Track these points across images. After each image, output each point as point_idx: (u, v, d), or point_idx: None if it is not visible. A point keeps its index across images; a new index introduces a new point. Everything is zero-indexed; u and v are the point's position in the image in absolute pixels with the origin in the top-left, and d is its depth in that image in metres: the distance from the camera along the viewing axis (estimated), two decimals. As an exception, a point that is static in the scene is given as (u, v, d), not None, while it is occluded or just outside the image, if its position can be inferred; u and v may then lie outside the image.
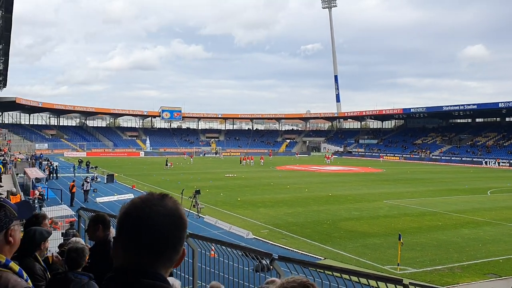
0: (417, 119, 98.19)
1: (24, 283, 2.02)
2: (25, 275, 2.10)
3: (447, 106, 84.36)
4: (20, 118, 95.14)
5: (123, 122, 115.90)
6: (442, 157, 79.97)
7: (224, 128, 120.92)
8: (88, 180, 31.62)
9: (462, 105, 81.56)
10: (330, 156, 79.19)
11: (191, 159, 72.24)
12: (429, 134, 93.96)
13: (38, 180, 31.23)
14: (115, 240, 1.40)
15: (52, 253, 4.20)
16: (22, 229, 2.48)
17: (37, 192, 25.58)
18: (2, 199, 2.18)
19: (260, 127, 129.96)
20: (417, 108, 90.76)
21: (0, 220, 2.05)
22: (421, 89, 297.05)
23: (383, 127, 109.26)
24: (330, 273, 5.77)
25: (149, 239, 1.34)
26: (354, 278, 5.45)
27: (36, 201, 24.29)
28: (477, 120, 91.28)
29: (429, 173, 53.83)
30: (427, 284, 4.69)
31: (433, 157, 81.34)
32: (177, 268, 6.96)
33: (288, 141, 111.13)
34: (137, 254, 1.34)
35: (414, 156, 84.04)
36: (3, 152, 50.45)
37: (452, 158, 77.74)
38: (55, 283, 3.27)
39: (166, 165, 57.66)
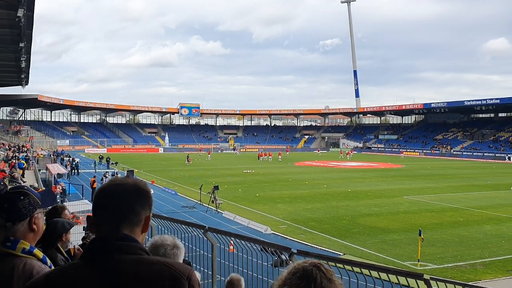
0: (437, 114, 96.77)
1: (48, 269, 2.05)
2: (48, 262, 2.13)
3: (469, 100, 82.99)
4: (42, 115, 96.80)
5: (142, 118, 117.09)
6: (464, 153, 78.71)
7: (242, 124, 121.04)
8: (107, 175, 32.05)
9: (484, 99, 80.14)
10: (350, 152, 78.68)
11: (209, 155, 72.49)
12: (450, 129, 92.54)
13: (60, 175, 31.73)
14: (90, 217, 1.67)
15: (74, 246, 4.26)
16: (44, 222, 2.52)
17: (59, 187, 26.02)
18: (26, 188, 2.23)
19: (278, 123, 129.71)
20: (438, 103, 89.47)
21: (24, 208, 2.09)
22: (442, 83, 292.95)
23: (403, 122, 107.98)
24: (350, 268, 5.73)
25: (113, 206, 1.63)
26: (374, 273, 5.40)
27: (58, 196, 24.73)
28: (500, 115, 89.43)
29: (450, 169, 53.05)
30: (448, 279, 4.64)
31: (454, 152, 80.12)
32: (197, 262, 7.03)
33: (306, 137, 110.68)
34: (105, 223, 1.63)
35: (434, 151, 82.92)
36: (25, 149, 51.47)
37: (474, 154, 76.43)
38: None
39: (188, 161, 57.86)
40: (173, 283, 1.55)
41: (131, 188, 1.66)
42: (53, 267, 2.13)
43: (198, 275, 4.56)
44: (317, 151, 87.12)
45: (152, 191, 1.78)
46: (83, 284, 1.55)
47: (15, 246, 2.03)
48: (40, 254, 2.10)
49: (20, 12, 20.57)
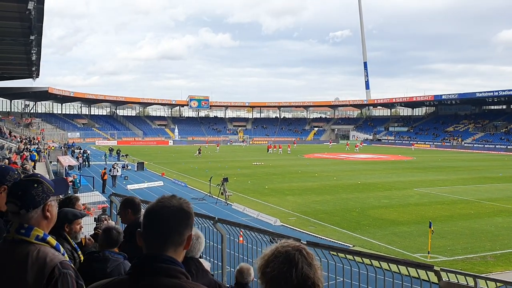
0: (449, 106, 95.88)
1: (61, 256, 2.08)
2: (62, 249, 2.16)
3: (481, 92, 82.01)
4: (52, 108, 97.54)
5: (152, 111, 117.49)
6: (475, 145, 78.01)
7: (251, 117, 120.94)
8: (115, 166, 32.49)
9: (496, 91, 79.13)
10: (359, 144, 78.32)
11: (217, 147, 72.52)
12: (461, 121, 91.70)
13: (71, 167, 32.02)
14: (139, 232, 1.81)
15: (85, 236, 4.31)
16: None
17: (70, 179, 26.30)
18: (39, 175, 2.25)
19: (288, 115, 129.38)
20: (449, 94, 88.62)
21: (37, 195, 2.11)
22: (454, 75, 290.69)
23: (414, 114, 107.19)
24: (360, 259, 5.71)
25: (160, 228, 1.76)
26: (384, 265, 5.38)
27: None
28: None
29: (461, 161, 52.64)
30: (459, 270, 4.59)
31: (465, 144, 79.43)
32: (207, 253, 7.05)
33: (316, 129, 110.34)
34: (151, 242, 1.77)
35: (445, 144, 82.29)
36: (36, 141, 51.94)
37: (485, 146, 75.74)
38: (92, 261, 3.36)
39: (199, 153, 57.81)
40: None
41: (177, 211, 1.79)
42: (66, 254, 2.16)
43: (207, 265, 4.61)
44: (328, 143, 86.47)
45: (193, 211, 1.90)
46: None
47: (29, 233, 2.05)
48: (54, 241, 2.12)
49: (31, 5, 20.68)
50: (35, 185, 2.13)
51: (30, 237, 2.05)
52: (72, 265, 2.09)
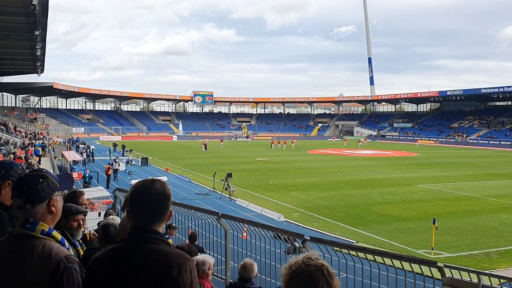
0: (453, 102, 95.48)
1: (66, 250, 2.10)
2: (67, 243, 2.18)
3: (486, 88, 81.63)
4: (57, 103, 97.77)
5: (156, 106, 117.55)
6: (480, 141, 77.71)
7: (255, 112, 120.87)
8: (117, 160, 32.91)
9: (501, 87, 78.67)
10: (363, 140, 78.06)
11: (221, 143, 72.40)
12: (466, 118, 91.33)
13: (75, 162, 32.13)
14: (127, 211, 2.27)
15: (90, 231, 4.33)
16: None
17: (75, 174, 26.47)
18: (44, 170, 2.28)
19: (292, 111, 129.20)
20: (454, 90, 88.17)
21: (42, 190, 2.13)
22: (458, 71, 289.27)
23: (418, 110, 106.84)
24: (363, 255, 5.72)
25: (145, 208, 2.15)
26: (388, 261, 5.39)
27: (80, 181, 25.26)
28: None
29: (466, 157, 52.47)
30: (462, 267, 4.60)
31: (470, 141, 79.13)
32: (211, 248, 7.11)
33: (320, 125, 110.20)
34: (139, 218, 2.15)
35: (450, 140, 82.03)
36: (41, 136, 52.14)
37: (490, 142, 75.42)
38: (90, 257, 3.38)
39: (205, 149, 57.62)
40: (165, 268, 1.99)
41: (160, 193, 2.19)
42: (71, 249, 2.18)
43: (211, 260, 4.64)
44: (332, 140, 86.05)
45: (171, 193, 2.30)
46: (118, 262, 2.06)
47: (34, 227, 2.08)
48: (59, 236, 2.15)
49: (35, 0, 20.71)
50: (41, 179, 2.15)
51: (35, 232, 2.07)
52: (76, 259, 2.11)
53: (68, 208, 3.62)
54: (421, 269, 5.16)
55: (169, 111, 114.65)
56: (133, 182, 30.50)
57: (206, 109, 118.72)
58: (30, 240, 2.06)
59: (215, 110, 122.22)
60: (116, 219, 4.37)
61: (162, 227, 2.22)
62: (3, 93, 79.88)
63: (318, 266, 1.76)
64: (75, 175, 26.79)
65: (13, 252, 2.04)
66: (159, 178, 2.19)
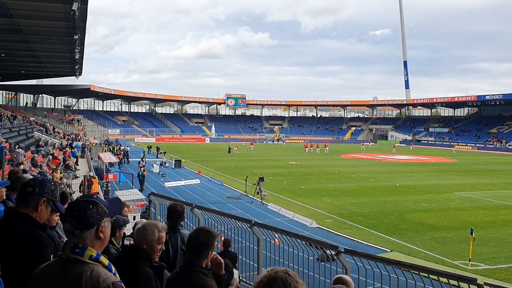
0: (492, 106, 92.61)
1: (113, 276, 2.13)
2: (113, 269, 2.21)
3: (527, 92, 78.81)
4: (94, 105, 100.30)
5: (190, 109, 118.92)
6: (520, 148, 75.08)
7: (287, 115, 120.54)
8: (143, 160, 35.84)
9: (543, 91, 75.80)
10: (368, 143, 76.89)
11: (251, 146, 72.37)
12: (505, 123, 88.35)
13: (111, 165, 32.74)
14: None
15: (130, 242, 4.38)
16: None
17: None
18: (95, 196, 2.31)
19: (325, 114, 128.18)
20: (493, 95, 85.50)
21: (92, 216, 2.18)
22: (498, 74, 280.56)
23: (455, 115, 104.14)
24: (398, 266, 5.61)
25: (196, 249, 3.14)
26: (424, 274, 5.26)
27: (109, 184, 25.66)
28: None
29: (505, 164, 50.77)
30: (504, 285, 4.39)
31: (509, 147, 76.52)
32: (244, 254, 7.11)
33: (353, 128, 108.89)
34: (191, 255, 3.17)
35: (488, 146, 79.58)
36: (78, 137, 53.50)
37: (531, 149, 72.79)
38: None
39: (231, 151, 57.89)
40: None
41: (205, 239, 3.17)
42: (117, 274, 2.20)
43: (236, 277, 4.73)
44: (368, 143, 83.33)
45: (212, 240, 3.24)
46: (177, 285, 3.10)
47: (83, 252, 2.12)
48: (106, 261, 2.18)
49: (75, 6, 21.27)
50: (91, 206, 2.20)
51: (84, 257, 2.11)
52: (123, 285, 2.13)
53: (117, 220, 3.70)
54: (459, 284, 5.00)
55: (202, 113, 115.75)
56: (167, 184, 31.01)
57: (239, 111, 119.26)
58: (79, 265, 2.10)
59: (248, 113, 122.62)
60: (141, 221, 4.47)
61: (204, 263, 3.17)
62: (42, 95, 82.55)
63: (285, 271, 2.04)
64: (110, 176, 27.35)
65: (63, 276, 2.09)
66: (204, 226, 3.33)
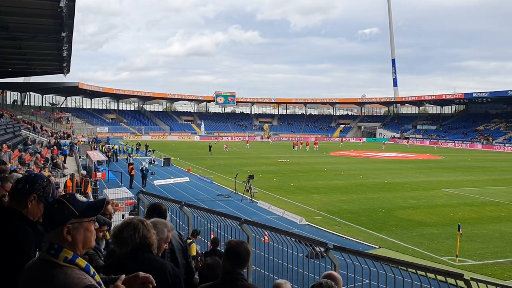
0: (479, 104, 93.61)
1: (87, 280, 2.01)
2: (92, 270, 2.10)
3: (513, 90, 79.72)
4: (82, 103, 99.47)
5: (179, 106, 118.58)
6: (506, 145, 76.01)
7: (277, 113, 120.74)
8: (130, 156, 36.23)
9: (530, 89, 76.76)
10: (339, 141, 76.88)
11: (247, 144, 72.13)
12: (492, 120, 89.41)
13: (100, 163, 32.53)
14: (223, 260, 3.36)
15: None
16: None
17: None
18: (68, 196, 2.20)
19: (314, 112, 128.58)
20: (480, 92, 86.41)
21: (56, 216, 2.09)
22: (486, 72, 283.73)
23: (443, 112, 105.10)
24: (387, 263, 5.67)
25: (237, 260, 3.27)
26: (412, 270, 5.32)
27: (97, 182, 25.49)
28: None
29: (492, 161, 51.38)
30: (490, 280, 4.47)
31: (496, 144, 77.47)
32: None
33: (342, 126, 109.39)
34: (231, 265, 3.26)
35: (475, 143, 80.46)
36: (66, 135, 53.07)
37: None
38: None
39: (211, 149, 57.23)
40: None
41: (244, 254, 3.29)
42: (96, 276, 2.10)
43: None
44: (359, 142, 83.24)
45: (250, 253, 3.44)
46: None
47: (58, 254, 2.03)
48: (83, 263, 2.07)
49: (63, 3, 21.11)
50: (56, 205, 2.11)
51: (58, 259, 2.02)
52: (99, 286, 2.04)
53: (96, 220, 3.67)
54: (446, 280, 5.07)
55: (192, 111, 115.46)
56: (156, 182, 30.95)
57: (228, 109, 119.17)
58: (53, 267, 2.00)
59: (237, 111, 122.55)
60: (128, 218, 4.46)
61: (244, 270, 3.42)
62: (30, 92, 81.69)
63: (139, 219, 2.63)
64: (99, 174, 27.18)
65: (37, 279, 2.01)
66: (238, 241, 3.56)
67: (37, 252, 2.67)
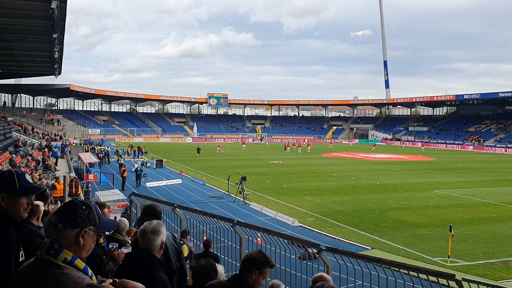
0: (470, 105, 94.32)
1: (87, 279, 2.03)
2: (89, 271, 2.11)
3: (504, 92, 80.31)
4: (74, 104, 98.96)
5: (171, 108, 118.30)
6: (497, 146, 76.62)
7: (270, 115, 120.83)
8: (121, 158, 36.88)
9: (520, 91, 77.46)
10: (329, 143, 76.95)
11: (244, 145, 71.82)
12: (483, 122, 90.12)
13: (91, 165, 32.38)
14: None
15: (114, 246, 4.34)
16: None
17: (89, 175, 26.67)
18: (93, 203, 2.25)
19: (306, 113, 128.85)
20: (471, 94, 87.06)
21: (80, 216, 2.11)
22: (476, 74, 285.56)
23: (434, 114, 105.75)
24: (379, 264, 5.69)
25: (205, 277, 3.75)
26: (404, 271, 5.35)
27: (89, 184, 25.35)
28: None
29: (483, 162, 51.76)
30: (481, 280, 4.51)
31: (487, 145, 78.07)
32: (226, 253, 7.12)
33: (334, 128, 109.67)
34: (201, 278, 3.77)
35: (466, 144, 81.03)
36: (58, 137, 52.72)
37: (508, 147, 74.30)
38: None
39: (200, 151, 57.08)
40: None
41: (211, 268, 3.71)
42: (94, 277, 2.11)
43: (222, 267, 4.75)
44: (350, 143, 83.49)
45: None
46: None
47: (57, 255, 2.03)
48: (82, 264, 2.09)
49: (54, 4, 20.95)
50: (84, 207, 2.15)
51: (58, 259, 2.03)
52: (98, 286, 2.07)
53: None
54: (438, 281, 5.10)
55: (184, 113, 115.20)
56: (148, 184, 30.87)
57: (221, 111, 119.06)
58: (52, 268, 2.01)
59: (230, 112, 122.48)
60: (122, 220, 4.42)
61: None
62: (21, 94, 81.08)
63: None
64: (91, 177, 27.04)
65: (36, 279, 2.01)
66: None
67: (21, 253, 2.64)
